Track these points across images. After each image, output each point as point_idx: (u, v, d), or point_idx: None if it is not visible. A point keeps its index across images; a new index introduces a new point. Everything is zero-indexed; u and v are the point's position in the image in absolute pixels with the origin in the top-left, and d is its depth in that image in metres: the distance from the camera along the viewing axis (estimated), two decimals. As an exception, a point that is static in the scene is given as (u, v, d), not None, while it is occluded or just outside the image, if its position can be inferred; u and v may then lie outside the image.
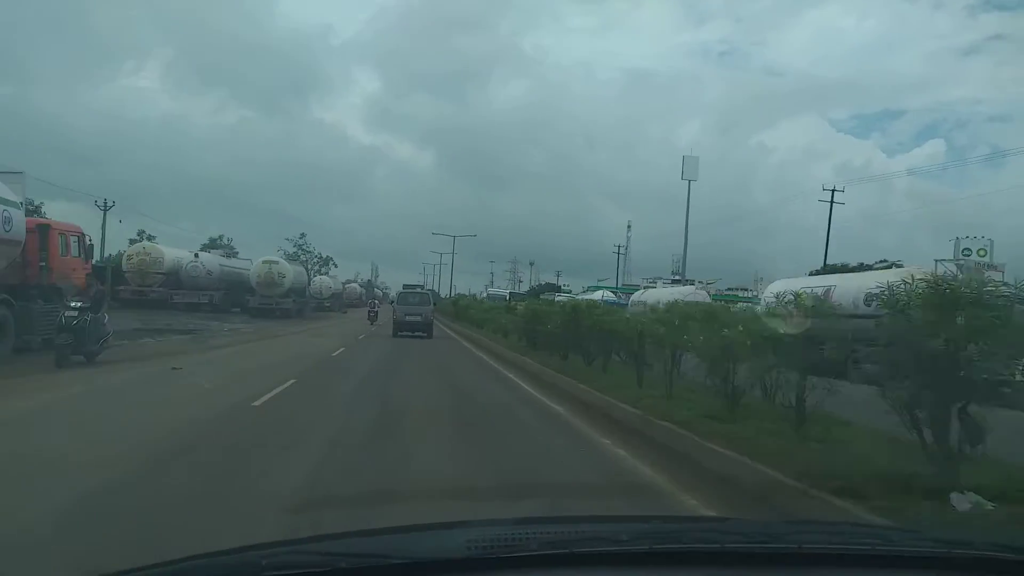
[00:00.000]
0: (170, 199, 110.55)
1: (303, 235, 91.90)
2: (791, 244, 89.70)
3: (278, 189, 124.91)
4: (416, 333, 28.24)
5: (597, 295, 43.34)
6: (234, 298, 41.22)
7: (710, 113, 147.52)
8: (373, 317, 36.89)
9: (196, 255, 41.44)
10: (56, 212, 42.69)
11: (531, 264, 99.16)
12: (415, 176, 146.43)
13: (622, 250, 70.99)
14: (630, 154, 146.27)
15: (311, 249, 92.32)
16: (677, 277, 59.64)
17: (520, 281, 79.01)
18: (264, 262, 41.37)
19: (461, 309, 42.48)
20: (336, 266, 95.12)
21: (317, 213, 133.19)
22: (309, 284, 54.26)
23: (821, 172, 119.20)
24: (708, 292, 38.76)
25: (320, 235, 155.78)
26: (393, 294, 75.30)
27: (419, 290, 34.19)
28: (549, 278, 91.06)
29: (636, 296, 42.13)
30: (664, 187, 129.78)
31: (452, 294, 70.88)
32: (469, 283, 72.08)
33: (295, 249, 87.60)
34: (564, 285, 73.18)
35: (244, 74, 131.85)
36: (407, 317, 28.82)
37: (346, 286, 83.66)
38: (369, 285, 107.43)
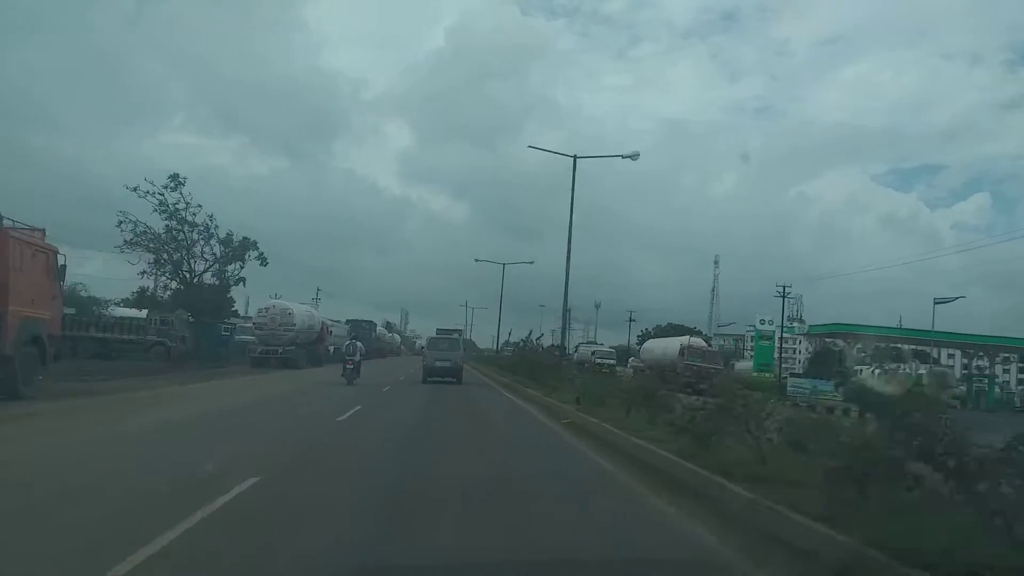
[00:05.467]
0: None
1: (176, 178, 36.50)
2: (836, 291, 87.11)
3: (310, 240, 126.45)
4: (446, 379, 27.43)
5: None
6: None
7: (746, 167, 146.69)
8: (351, 373, 24.47)
9: None
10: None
11: (597, 306, 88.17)
12: (448, 227, 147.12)
13: (714, 293, 64.27)
14: (664, 204, 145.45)
15: (189, 208, 36.99)
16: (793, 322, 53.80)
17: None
18: None
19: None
20: (267, 263, 39.66)
21: (350, 264, 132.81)
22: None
23: (864, 223, 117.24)
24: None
25: (354, 285, 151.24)
26: (422, 341, 69.54)
27: (451, 335, 32.82)
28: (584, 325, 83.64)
29: None
30: (699, 236, 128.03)
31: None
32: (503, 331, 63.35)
33: (157, 205, 35.95)
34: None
35: (277, 127, 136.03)
36: (437, 363, 28.08)
37: (263, 312, 35.44)
38: (359, 326, 56.05)
